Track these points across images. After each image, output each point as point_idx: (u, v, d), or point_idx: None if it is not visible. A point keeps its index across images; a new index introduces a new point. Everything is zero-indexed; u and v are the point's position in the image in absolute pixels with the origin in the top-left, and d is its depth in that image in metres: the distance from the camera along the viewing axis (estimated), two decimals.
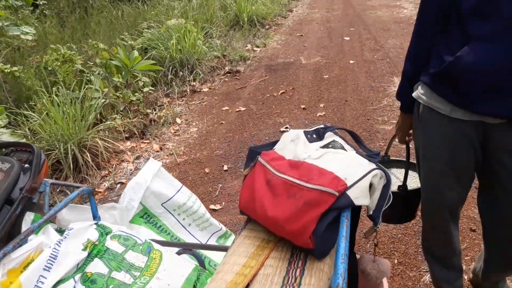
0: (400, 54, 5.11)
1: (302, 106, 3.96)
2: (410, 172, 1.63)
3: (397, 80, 4.32)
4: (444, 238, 1.48)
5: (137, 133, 3.57)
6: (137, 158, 3.32)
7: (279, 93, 4.33)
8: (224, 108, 4.12)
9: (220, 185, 2.87)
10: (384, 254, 2.10)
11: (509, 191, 1.24)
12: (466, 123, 1.21)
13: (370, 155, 1.07)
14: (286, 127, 3.55)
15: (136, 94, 3.96)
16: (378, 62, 5.00)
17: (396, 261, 2.05)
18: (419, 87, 1.32)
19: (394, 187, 1.58)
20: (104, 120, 3.50)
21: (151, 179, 1.66)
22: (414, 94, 1.34)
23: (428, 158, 1.36)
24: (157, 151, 3.41)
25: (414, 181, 1.64)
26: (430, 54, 1.28)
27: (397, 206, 1.64)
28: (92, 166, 2.98)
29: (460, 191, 1.36)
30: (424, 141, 1.36)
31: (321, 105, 3.96)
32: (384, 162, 1.66)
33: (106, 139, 3.25)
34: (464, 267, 1.70)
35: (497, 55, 1.07)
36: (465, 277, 1.85)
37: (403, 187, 1.57)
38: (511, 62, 1.06)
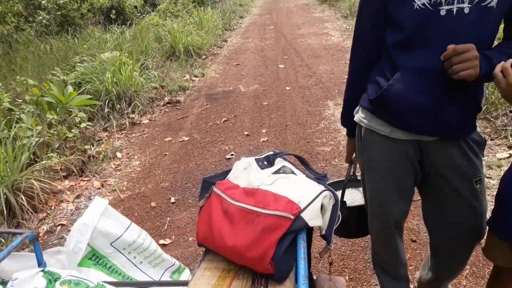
0: (332, 79, 5.42)
1: (246, 133, 4.03)
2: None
3: (331, 104, 4.56)
4: (392, 251, 1.57)
5: (75, 170, 3.42)
6: (77, 197, 3.16)
7: (222, 121, 4.38)
8: (166, 139, 4.08)
9: (169, 219, 2.82)
10: (336, 272, 2.16)
11: (450, 198, 1.37)
12: (405, 142, 1.34)
13: (318, 178, 1.13)
14: (232, 154, 3.59)
15: (72, 130, 3.81)
16: (312, 88, 5.25)
17: (347, 277, 2.12)
18: (360, 112, 1.43)
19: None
20: (39, 160, 3.32)
21: (98, 219, 1.60)
22: (355, 118, 1.45)
23: (372, 177, 1.46)
24: (98, 188, 3.28)
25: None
26: (367, 81, 1.40)
27: (353, 222, 1.74)
28: (28, 209, 2.80)
29: (403, 205, 1.47)
30: (367, 161, 1.46)
31: (264, 131, 4.05)
32: (352, 181, 1.77)
33: (42, 179, 3.07)
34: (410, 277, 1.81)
35: (423, 83, 1.21)
36: (411, 286, 1.95)
37: (341, 204, 1.66)
38: (436, 89, 1.21)
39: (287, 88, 5.35)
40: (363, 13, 1.36)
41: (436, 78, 1.19)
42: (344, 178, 1.69)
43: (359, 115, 1.43)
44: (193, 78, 6.09)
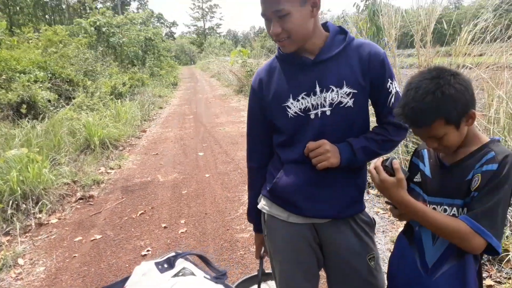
0: None
1: (163, 225, 3.92)
2: None
3: None
4: None
5: None
6: None
7: (138, 214, 4.23)
8: (76, 239, 3.80)
9: None
10: None
11: (348, 275, 1.48)
12: (302, 226, 1.48)
13: (217, 276, 1.13)
14: (148, 250, 3.42)
15: None
16: (231, 174, 5.37)
17: None
18: (262, 199, 1.59)
19: None
20: None
21: None
22: (259, 206, 1.61)
23: (277, 260, 1.54)
24: None
25: None
26: (265, 175, 1.59)
27: None
28: None
29: (309, 286, 1.53)
30: (272, 245, 1.56)
31: (182, 221, 3.97)
32: (264, 275, 1.82)
33: None
34: None
35: (305, 173, 1.43)
36: None
37: None
38: (317, 178, 1.42)
39: (207, 175, 5.40)
40: (252, 123, 1.59)
41: (315, 168, 1.39)
42: (256, 273, 1.71)
43: (261, 203, 1.59)
44: (109, 171, 5.92)
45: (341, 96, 1.36)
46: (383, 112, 1.45)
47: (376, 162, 1.23)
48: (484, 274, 2.68)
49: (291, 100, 1.40)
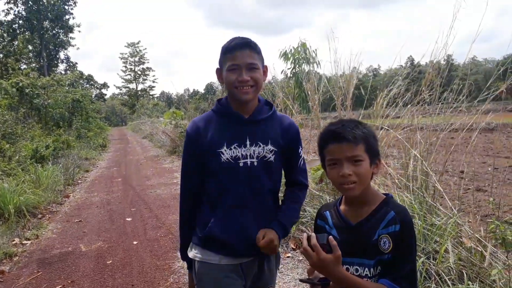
0: None
1: None
2: None
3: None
4: None
5: None
6: None
7: None
8: None
9: None
10: None
11: None
12: (233, 266, 1.67)
13: None
14: None
15: None
16: (161, 239, 5.11)
17: None
18: (193, 249, 1.75)
19: None
20: None
21: None
22: (190, 255, 1.75)
23: None
24: None
25: None
26: (195, 220, 1.78)
27: None
28: None
29: None
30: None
31: None
32: None
33: None
34: None
35: (234, 217, 1.67)
36: None
37: None
38: (243, 221, 1.67)
39: (135, 242, 5.09)
40: (186, 166, 1.78)
41: (241, 212, 1.67)
42: None
43: (193, 252, 1.74)
44: (24, 242, 5.36)
45: (266, 152, 1.67)
46: (293, 171, 1.82)
47: (312, 240, 1.22)
48: None
49: (224, 147, 1.65)
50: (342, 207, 1.41)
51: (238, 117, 1.68)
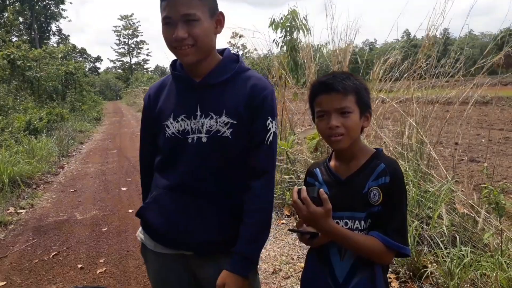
0: None
1: (79, 266, 3.58)
2: None
3: None
4: None
5: None
6: None
7: (51, 256, 3.83)
8: None
9: None
10: None
11: None
12: (169, 256, 1.39)
13: None
14: None
15: None
16: None
17: None
18: (140, 229, 1.49)
19: None
20: None
21: None
22: (137, 234, 1.52)
23: None
24: None
25: None
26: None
27: None
28: None
29: None
30: (148, 274, 1.53)
31: (101, 261, 3.66)
32: None
33: None
34: None
35: (172, 201, 1.35)
36: None
37: None
38: (184, 206, 1.34)
39: (130, 210, 5.11)
40: (141, 137, 1.54)
41: (183, 196, 1.34)
42: None
43: (138, 232, 1.50)
44: (19, 211, 5.35)
45: (220, 125, 1.31)
46: (254, 153, 1.34)
47: (302, 193, 1.19)
48: None
49: (171, 119, 1.35)
50: (332, 163, 1.37)
51: (188, 81, 1.35)
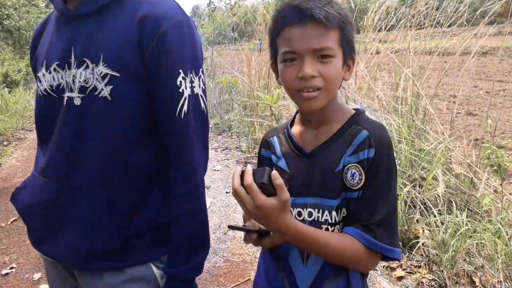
0: None
1: None
2: None
3: None
4: None
5: None
6: None
7: (9, 222, 3.52)
8: None
9: None
10: None
11: None
12: (51, 262, 1.01)
13: None
14: (12, 268, 2.78)
15: None
16: None
17: None
18: None
19: None
20: None
21: None
22: None
23: None
24: None
25: None
26: None
27: None
28: None
29: None
30: None
31: None
32: None
33: None
34: None
35: (41, 190, 0.93)
36: None
37: None
38: (58, 199, 0.91)
39: None
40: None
41: (56, 181, 0.91)
42: None
43: None
44: None
45: (96, 79, 0.85)
46: (169, 127, 0.89)
47: (247, 178, 0.76)
48: (394, 265, 2.49)
49: (43, 69, 0.93)
50: (294, 129, 0.98)
51: (63, 11, 0.92)
